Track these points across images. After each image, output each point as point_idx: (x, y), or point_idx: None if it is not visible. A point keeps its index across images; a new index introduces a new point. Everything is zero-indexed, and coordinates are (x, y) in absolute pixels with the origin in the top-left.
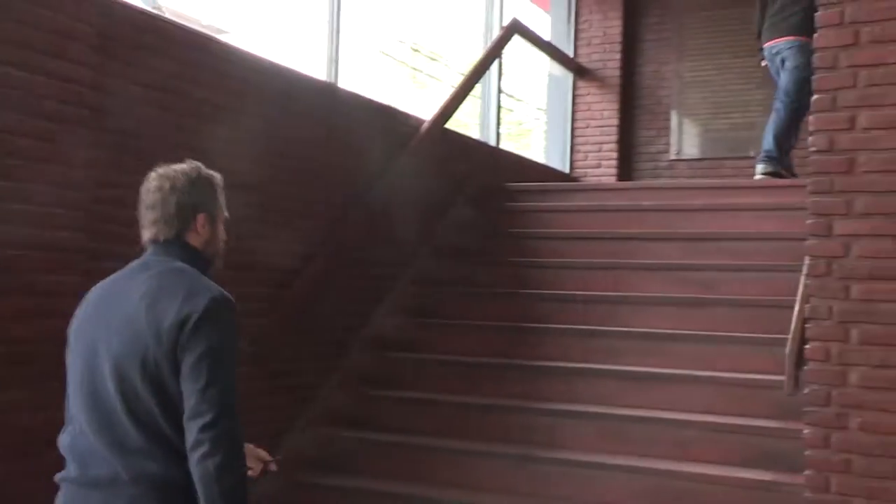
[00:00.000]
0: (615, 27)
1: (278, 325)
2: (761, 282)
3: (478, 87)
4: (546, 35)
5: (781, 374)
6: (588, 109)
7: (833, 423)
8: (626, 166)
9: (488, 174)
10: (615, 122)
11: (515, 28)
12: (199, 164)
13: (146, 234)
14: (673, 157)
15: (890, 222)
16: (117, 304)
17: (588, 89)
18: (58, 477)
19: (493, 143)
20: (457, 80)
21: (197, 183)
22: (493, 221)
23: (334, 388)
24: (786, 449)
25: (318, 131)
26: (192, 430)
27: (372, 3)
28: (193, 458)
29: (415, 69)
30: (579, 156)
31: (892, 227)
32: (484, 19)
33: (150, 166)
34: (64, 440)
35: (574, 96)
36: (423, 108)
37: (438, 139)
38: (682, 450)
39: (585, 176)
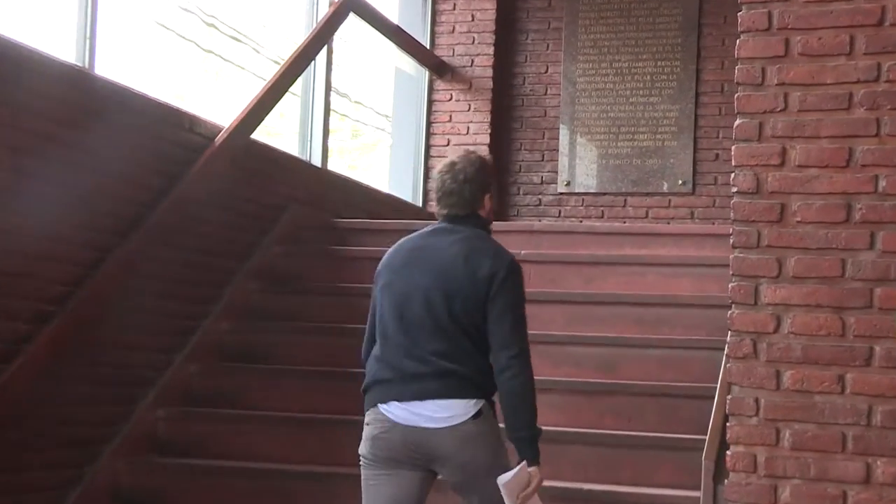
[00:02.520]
0: (488, 11)
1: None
2: (674, 362)
3: (299, 83)
4: (394, 16)
5: (697, 489)
6: (449, 121)
7: None
8: (501, 200)
9: (311, 205)
10: (486, 139)
11: (352, 4)
12: (477, 152)
13: (444, 210)
14: (562, 189)
15: (829, 289)
16: (433, 255)
17: (450, 93)
18: (370, 380)
19: (318, 161)
20: (270, 71)
21: (482, 170)
22: (317, 272)
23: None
24: None
25: (62, 136)
26: (502, 357)
27: None
28: (503, 377)
29: (209, 52)
30: None
31: (832, 295)
32: None
33: None
34: (375, 352)
35: (430, 102)
36: (221, 109)
37: (242, 153)
38: None
39: None
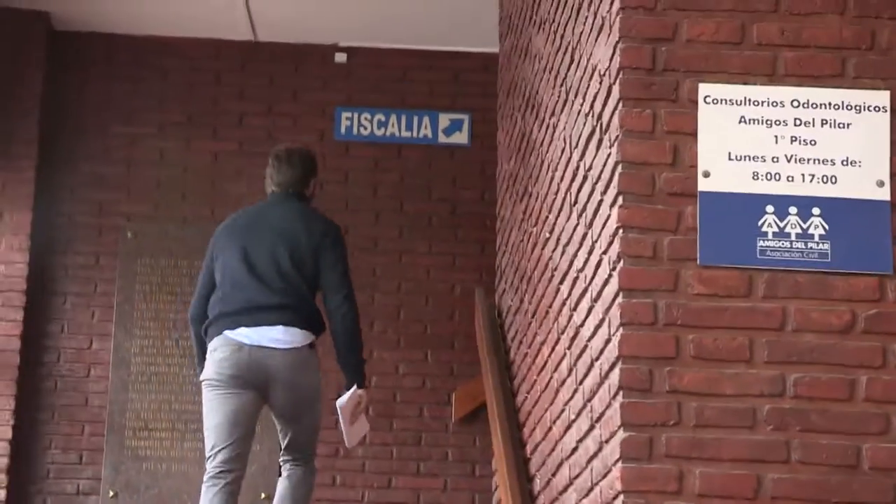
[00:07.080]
0: (17, 265)
1: None
2: None
3: None
4: None
5: None
6: None
7: None
8: None
9: None
10: (7, 433)
11: None
12: (305, 147)
13: (279, 188)
14: (107, 503)
15: None
16: (272, 219)
17: None
18: (217, 314)
19: None
20: None
21: (314, 160)
22: None
23: None
24: None
25: None
26: (336, 297)
27: None
28: (339, 313)
29: None
30: None
31: None
32: None
33: None
34: (220, 295)
35: None
36: None
37: None
38: None
39: None
